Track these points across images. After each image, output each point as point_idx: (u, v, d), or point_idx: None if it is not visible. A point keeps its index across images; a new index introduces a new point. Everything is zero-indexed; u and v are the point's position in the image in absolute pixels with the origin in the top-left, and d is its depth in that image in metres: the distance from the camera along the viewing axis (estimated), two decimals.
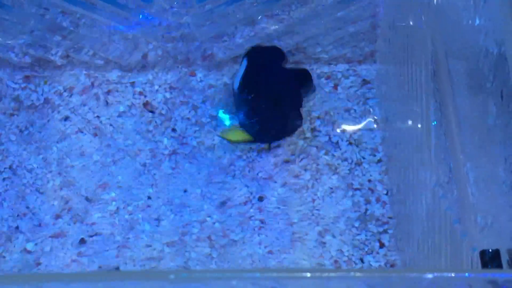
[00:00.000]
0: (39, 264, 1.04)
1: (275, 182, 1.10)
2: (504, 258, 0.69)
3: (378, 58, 1.16)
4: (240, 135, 1.11)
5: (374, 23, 1.15)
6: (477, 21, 0.78)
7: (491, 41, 0.74)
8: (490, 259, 0.70)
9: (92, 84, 1.17)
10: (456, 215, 0.79)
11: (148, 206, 1.08)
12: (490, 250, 0.70)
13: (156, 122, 1.14)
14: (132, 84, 1.17)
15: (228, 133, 1.12)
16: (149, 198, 1.08)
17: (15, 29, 1.15)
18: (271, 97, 1.11)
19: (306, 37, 1.16)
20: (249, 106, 1.11)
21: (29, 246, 1.05)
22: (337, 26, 1.15)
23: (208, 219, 1.07)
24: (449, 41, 0.86)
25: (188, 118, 1.15)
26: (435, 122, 0.85)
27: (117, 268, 1.03)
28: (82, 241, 1.05)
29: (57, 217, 1.07)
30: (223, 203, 1.08)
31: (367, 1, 1.14)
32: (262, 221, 1.07)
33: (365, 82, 1.17)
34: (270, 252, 1.05)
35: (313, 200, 1.08)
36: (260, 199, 1.08)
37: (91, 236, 1.06)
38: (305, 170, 1.11)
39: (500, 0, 0.73)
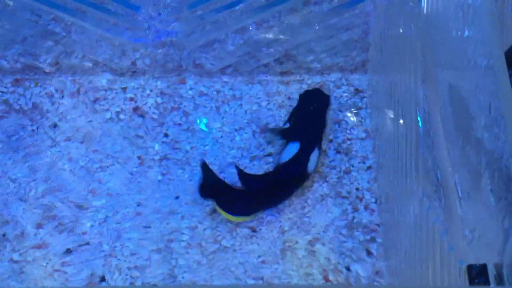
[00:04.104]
0: (22, 273, 1.03)
1: None
2: (491, 273, 0.69)
3: (369, 67, 1.16)
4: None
5: (366, 31, 1.15)
6: (466, 33, 0.78)
7: (479, 53, 0.74)
8: (477, 274, 0.69)
9: (79, 90, 1.17)
10: (444, 227, 0.79)
11: (138, 213, 1.08)
12: (477, 265, 0.70)
13: (147, 127, 1.14)
14: (124, 89, 1.17)
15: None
16: (138, 205, 1.08)
17: (7, 37, 1.15)
18: None
19: (297, 45, 1.16)
20: None
21: (15, 256, 1.05)
22: (329, 34, 1.15)
23: (199, 225, 1.07)
24: (439, 52, 0.85)
25: (179, 124, 1.15)
26: (422, 132, 0.85)
27: (103, 278, 1.03)
28: (68, 251, 1.05)
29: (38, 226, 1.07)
30: (214, 210, 1.08)
31: (359, 9, 1.13)
32: (253, 229, 1.07)
33: (357, 91, 1.17)
34: (263, 262, 1.05)
35: (303, 207, 1.08)
36: None
37: (80, 246, 1.05)
38: None
39: (489, 13, 0.72)
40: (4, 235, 1.06)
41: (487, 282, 0.69)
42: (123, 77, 1.17)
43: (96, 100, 1.16)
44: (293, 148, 1.08)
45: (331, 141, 1.13)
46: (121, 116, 1.15)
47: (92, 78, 1.17)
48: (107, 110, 1.15)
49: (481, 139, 0.74)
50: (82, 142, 1.13)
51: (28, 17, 1.14)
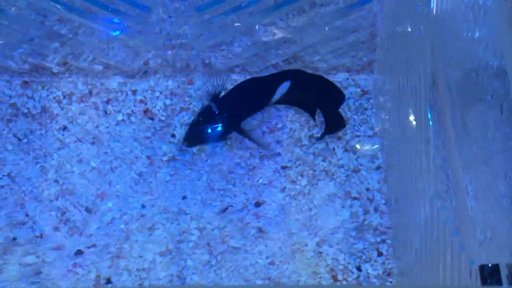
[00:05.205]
0: (40, 273, 1.03)
1: (275, 187, 1.09)
2: (504, 273, 0.69)
3: (376, 68, 1.16)
4: None
5: (374, 33, 1.15)
6: (477, 33, 0.78)
7: (491, 54, 0.74)
8: (490, 274, 0.69)
9: (91, 92, 1.17)
10: (455, 227, 0.79)
11: (142, 215, 1.07)
12: (490, 265, 0.69)
13: (155, 127, 1.14)
14: (134, 92, 1.17)
15: None
16: (143, 206, 1.08)
17: (15, 37, 1.15)
18: None
19: (304, 46, 1.16)
20: None
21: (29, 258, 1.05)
22: (336, 35, 1.15)
23: (208, 226, 1.06)
24: (449, 53, 0.86)
25: (187, 124, 1.15)
26: (432, 132, 0.85)
27: (109, 280, 1.02)
28: (79, 252, 1.05)
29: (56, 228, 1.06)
30: (223, 210, 1.08)
31: (366, 11, 1.13)
32: (260, 229, 1.06)
33: (364, 92, 1.17)
34: (271, 263, 1.05)
35: (310, 209, 1.08)
36: (258, 204, 1.08)
37: (88, 248, 1.05)
38: (302, 176, 1.10)
39: (500, 13, 0.72)
40: (14, 238, 1.05)
41: (499, 282, 0.69)
42: (133, 79, 1.17)
43: (108, 102, 1.16)
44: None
45: (339, 138, 1.13)
46: (132, 118, 1.15)
47: (103, 80, 1.17)
48: (119, 111, 1.15)
49: (492, 139, 0.74)
50: (92, 144, 1.13)
51: (33, 18, 1.14)
